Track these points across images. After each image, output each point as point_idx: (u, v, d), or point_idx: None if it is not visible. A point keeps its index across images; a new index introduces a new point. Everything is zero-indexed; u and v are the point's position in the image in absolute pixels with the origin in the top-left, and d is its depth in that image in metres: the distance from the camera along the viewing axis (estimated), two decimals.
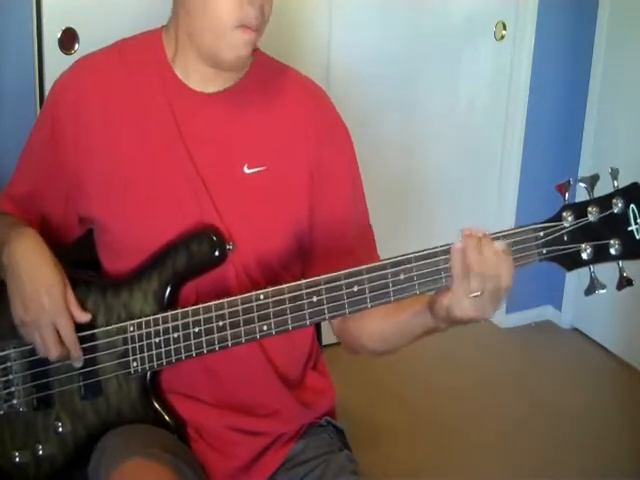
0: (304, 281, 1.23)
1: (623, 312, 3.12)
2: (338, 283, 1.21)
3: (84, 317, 1.34)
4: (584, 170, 3.20)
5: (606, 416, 2.87)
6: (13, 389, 1.39)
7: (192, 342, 1.29)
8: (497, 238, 1.14)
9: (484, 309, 1.14)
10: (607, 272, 1.14)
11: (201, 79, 1.37)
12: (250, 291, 1.26)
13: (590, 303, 3.48)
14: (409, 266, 1.17)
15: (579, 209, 1.12)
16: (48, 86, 2.34)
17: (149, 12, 2.19)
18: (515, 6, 3.12)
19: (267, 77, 1.42)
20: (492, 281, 1.11)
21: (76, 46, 2.39)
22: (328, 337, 1.65)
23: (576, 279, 3.27)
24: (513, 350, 3.30)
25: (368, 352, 1.42)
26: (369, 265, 1.19)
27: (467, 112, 3.22)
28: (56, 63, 2.32)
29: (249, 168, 1.37)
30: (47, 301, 1.30)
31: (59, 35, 2.37)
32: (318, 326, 1.62)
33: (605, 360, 3.22)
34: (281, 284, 1.24)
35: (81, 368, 1.36)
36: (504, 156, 3.30)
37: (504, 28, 3.14)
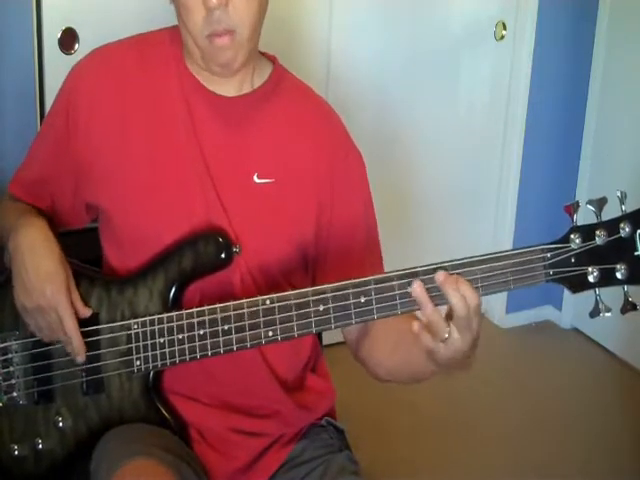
0: (311, 289, 1.23)
1: None
2: (345, 292, 1.20)
3: (85, 311, 1.34)
4: (584, 170, 3.20)
5: (606, 416, 2.87)
6: (14, 381, 1.39)
7: (197, 344, 1.29)
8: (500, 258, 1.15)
9: (461, 343, 1.15)
10: (608, 290, 1.14)
11: (213, 80, 1.36)
12: (255, 296, 1.26)
13: (590, 303, 3.47)
14: (417, 280, 1.16)
15: (587, 232, 1.12)
16: (48, 86, 2.37)
17: (149, 12, 2.19)
18: (515, 6, 3.12)
19: (283, 92, 1.41)
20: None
21: (76, 46, 2.39)
22: (329, 337, 1.65)
23: None
24: (513, 350, 3.30)
25: (376, 377, 1.44)
26: (377, 276, 1.19)
27: (467, 112, 3.22)
28: (56, 63, 2.33)
29: (259, 178, 1.37)
30: (49, 289, 1.30)
31: (59, 35, 2.37)
32: None
33: (605, 360, 3.22)
34: (283, 291, 1.24)
35: (84, 364, 1.35)
36: (504, 156, 3.30)
37: (504, 28, 3.14)
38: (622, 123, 3.08)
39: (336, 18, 2.84)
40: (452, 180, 3.24)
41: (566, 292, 3.56)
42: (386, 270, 1.35)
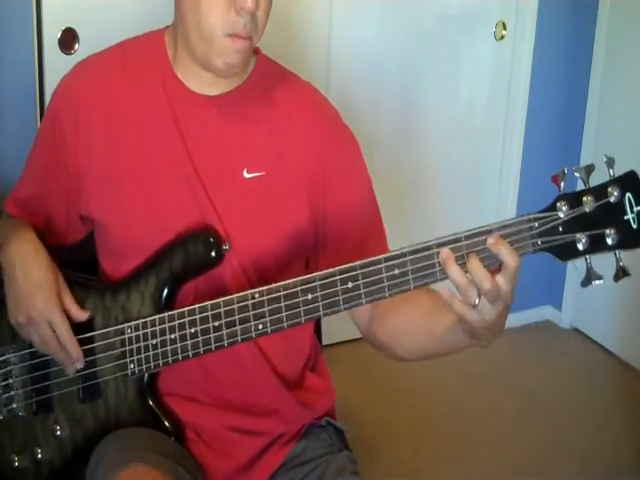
0: (299, 279, 1.23)
1: (623, 312, 3.12)
2: (332, 279, 1.20)
3: (82, 315, 1.34)
4: None
5: (606, 416, 2.87)
6: (13, 393, 1.39)
7: (189, 342, 1.29)
8: (490, 231, 1.12)
9: (491, 308, 1.14)
10: (604, 264, 1.11)
11: (201, 82, 1.37)
12: (246, 290, 1.26)
13: (590, 303, 3.49)
14: (403, 260, 1.16)
15: (574, 199, 1.09)
16: (48, 86, 2.37)
17: (149, 12, 2.20)
18: (515, 6, 3.12)
19: (269, 82, 1.41)
20: (484, 286, 1.11)
21: (76, 46, 2.39)
22: (328, 337, 1.65)
23: (576, 279, 3.27)
24: (513, 350, 3.30)
25: (397, 359, 1.40)
26: (363, 261, 1.19)
27: (467, 112, 3.22)
28: (56, 63, 2.33)
29: (248, 173, 1.37)
30: (40, 300, 1.31)
31: (59, 35, 2.37)
32: (318, 327, 1.62)
33: (605, 360, 3.22)
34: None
35: (79, 371, 1.36)
36: (504, 156, 3.30)
37: (504, 28, 3.14)
38: (622, 123, 3.08)
39: (336, 19, 2.84)
40: (452, 180, 3.24)
41: (566, 292, 3.56)
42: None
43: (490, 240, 1.10)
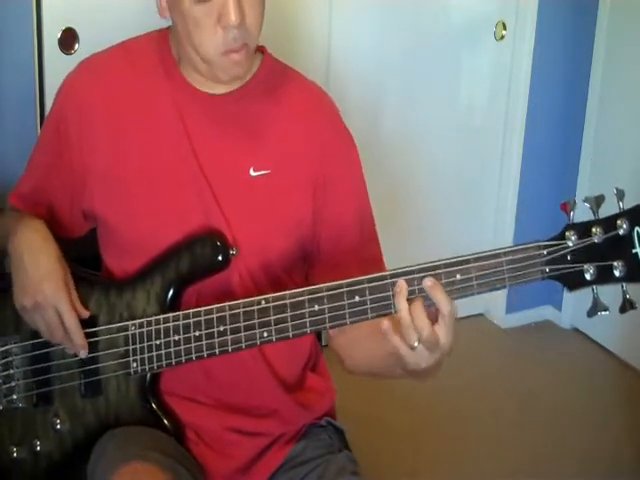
0: (306, 288, 1.22)
1: None
2: (339, 291, 1.20)
3: (84, 313, 1.34)
4: (584, 171, 3.20)
5: (606, 416, 2.87)
6: (13, 384, 1.39)
7: (192, 345, 1.29)
8: (498, 255, 1.13)
9: (429, 356, 1.14)
10: (608, 291, 1.12)
11: (207, 81, 1.37)
12: (253, 296, 1.26)
13: (590, 303, 3.47)
14: (410, 277, 1.16)
15: (583, 229, 1.10)
16: (48, 86, 2.37)
17: (149, 12, 2.19)
18: (515, 6, 3.12)
19: (274, 81, 1.42)
20: (422, 331, 1.12)
21: (76, 46, 2.39)
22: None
23: None
24: (513, 350, 3.30)
25: (347, 371, 1.41)
26: (371, 275, 1.19)
27: (467, 112, 3.22)
28: (56, 63, 2.33)
29: (255, 171, 1.37)
30: (47, 286, 1.30)
31: (59, 35, 2.37)
32: None
33: (605, 360, 3.22)
34: (283, 290, 1.24)
35: (82, 366, 1.36)
36: (504, 156, 3.30)
37: (504, 28, 3.14)
38: (622, 123, 3.08)
39: (335, 19, 2.84)
40: (452, 180, 3.24)
41: (566, 292, 3.56)
42: (384, 267, 1.35)
43: (427, 282, 1.12)
